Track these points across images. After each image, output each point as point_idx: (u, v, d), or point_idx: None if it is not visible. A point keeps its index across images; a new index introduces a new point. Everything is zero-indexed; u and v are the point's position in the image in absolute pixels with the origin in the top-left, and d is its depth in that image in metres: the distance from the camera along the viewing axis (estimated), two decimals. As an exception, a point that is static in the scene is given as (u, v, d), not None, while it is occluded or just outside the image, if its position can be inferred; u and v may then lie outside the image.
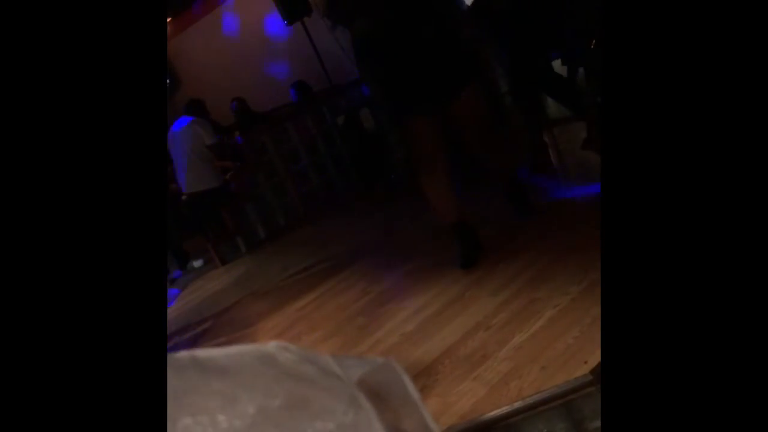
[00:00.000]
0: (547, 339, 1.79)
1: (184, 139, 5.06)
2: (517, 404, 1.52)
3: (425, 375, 1.89)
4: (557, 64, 4.38)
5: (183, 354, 0.47)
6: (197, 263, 5.38)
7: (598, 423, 1.39)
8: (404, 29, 2.49)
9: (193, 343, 3.30)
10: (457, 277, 2.55)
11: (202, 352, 0.46)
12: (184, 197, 5.23)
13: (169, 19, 7.50)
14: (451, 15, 2.62)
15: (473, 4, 3.77)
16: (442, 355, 1.97)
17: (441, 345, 2.03)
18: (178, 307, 4.28)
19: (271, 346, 0.46)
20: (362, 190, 5.72)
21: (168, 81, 7.73)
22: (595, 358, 1.55)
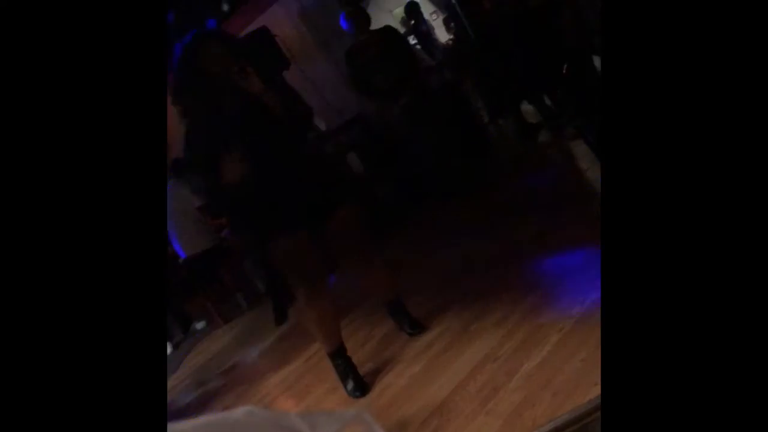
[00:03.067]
0: (556, 364, 1.76)
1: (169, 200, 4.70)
2: (533, 435, 1.49)
3: (437, 415, 1.85)
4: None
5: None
6: (199, 325, 5.30)
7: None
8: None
9: (203, 404, 3.25)
10: (458, 311, 2.53)
11: (173, 427, 0.44)
12: (180, 261, 5.16)
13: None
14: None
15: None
16: (453, 392, 1.93)
17: (450, 382, 2.00)
18: (185, 371, 4.22)
19: (238, 412, 0.45)
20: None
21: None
22: (605, 378, 1.52)
